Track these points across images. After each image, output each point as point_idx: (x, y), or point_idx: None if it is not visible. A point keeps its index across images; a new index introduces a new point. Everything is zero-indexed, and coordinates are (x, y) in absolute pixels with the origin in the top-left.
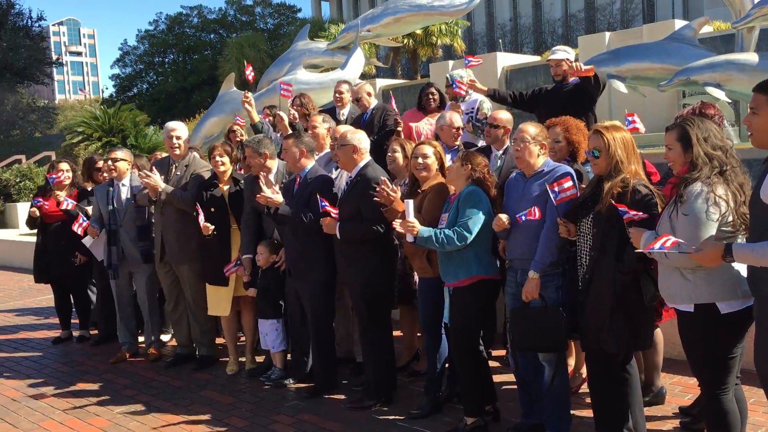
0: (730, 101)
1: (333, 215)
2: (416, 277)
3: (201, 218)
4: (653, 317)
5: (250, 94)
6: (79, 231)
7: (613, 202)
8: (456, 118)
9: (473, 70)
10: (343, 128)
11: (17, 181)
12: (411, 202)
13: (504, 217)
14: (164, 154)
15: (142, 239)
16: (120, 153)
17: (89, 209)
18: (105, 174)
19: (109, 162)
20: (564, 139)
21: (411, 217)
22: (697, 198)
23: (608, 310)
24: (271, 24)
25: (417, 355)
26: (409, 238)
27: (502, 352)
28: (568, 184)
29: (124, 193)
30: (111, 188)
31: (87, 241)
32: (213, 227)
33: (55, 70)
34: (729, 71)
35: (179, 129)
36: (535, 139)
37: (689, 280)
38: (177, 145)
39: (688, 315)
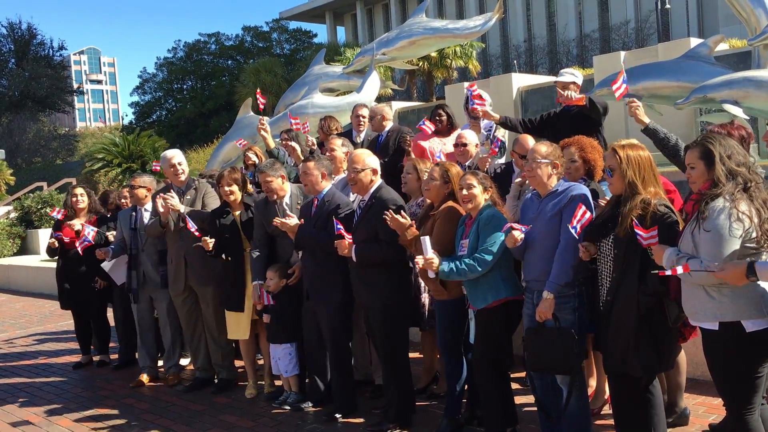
0: (747, 118)
1: (346, 238)
2: (425, 300)
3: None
4: (677, 338)
5: (265, 121)
6: (80, 248)
7: (635, 221)
8: (466, 135)
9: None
10: (359, 151)
11: (39, 207)
12: (427, 238)
13: (517, 232)
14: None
15: (163, 264)
16: (140, 180)
17: (110, 234)
18: (123, 200)
19: (130, 188)
20: (579, 158)
21: (429, 254)
22: (719, 214)
23: (632, 333)
24: (288, 49)
25: (436, 377)
26: (431, 274)
27: (522, 374)
28: (582, 210)
29: (147, 217)
30: (134, 213)
31: (106, 265)
32: (213, 240)
33: (75, 98)
34: (746, 88)
35: (177, 156)
36: (547, 159)
37: (714, 298)
38: (181, 171)
39: (713, 333)
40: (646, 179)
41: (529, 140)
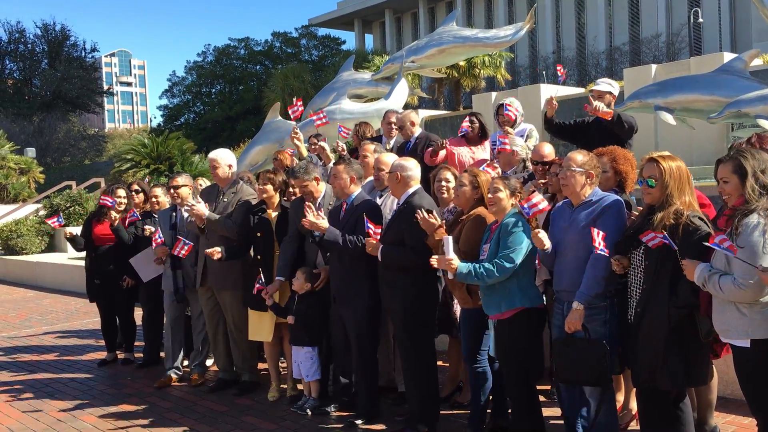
0: None
1: (374, 235)
2: (457, 307)
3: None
4: (708, 353)
5: (298, 129)
6: (183, 253)
7: (664, 232)
8: (514, 140)
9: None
10: (386, 156)
11: (67, 206)
12: (450, 238)
13: (542, 232)
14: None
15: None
16: (180, 179)
17: (148, 229)
18: (154, 199)
19: (171, 189)
20: (611, 169)
21: (450, 254)
22: (753, 230)
23: (662, 346)
24: (316, 56)
25: (460, 386)
26: (449, 276)
27: (547, 387)
28: (537, 199)
29: (186, 217)
30: (174, 213)
31: (134, 261)
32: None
33: (105, 99)
34: None
35: (215, 154)
36: (582, 168)
37: (745, 315)
38: (219, 170)
39: (744, 351)
40: (682, 190)
41: (545, 147)
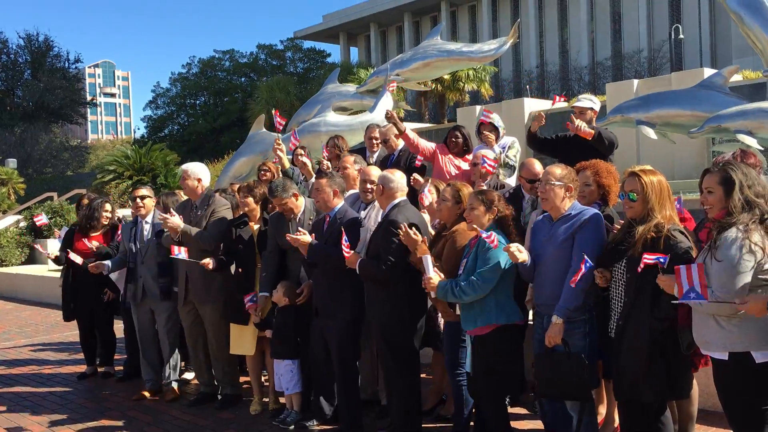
0: (762, 149)
1: (345, 252)
2: (441, 320)
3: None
4: (690, 365)
5: (281, 141)
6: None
7: (644, 253)
8: (485, 153)
9: (500, 114)
10: (374, 169)
11: (49, 217)
12: (429, 257)
13: (515, 246)
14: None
15: (162, 276)
16: (145, 190)
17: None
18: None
19: (137, 200)
20: (594, 183)
21: (430, 272)
22: (731, 244)
23: (645, 359)
24: (301, 68)
25: (443, 399)
26: (432, 294)
27: (530, 400)
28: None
29: (147, 230)
30: (135, 227)
31: (114, 275)
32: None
33: (89, 110)
34: (761, 119)
35: (188, 167)
36: (561, 181)
37: (724, 328)
38: (190, 183)
39: (723, 363)
40: (663, 204)
41: (536, 164)
